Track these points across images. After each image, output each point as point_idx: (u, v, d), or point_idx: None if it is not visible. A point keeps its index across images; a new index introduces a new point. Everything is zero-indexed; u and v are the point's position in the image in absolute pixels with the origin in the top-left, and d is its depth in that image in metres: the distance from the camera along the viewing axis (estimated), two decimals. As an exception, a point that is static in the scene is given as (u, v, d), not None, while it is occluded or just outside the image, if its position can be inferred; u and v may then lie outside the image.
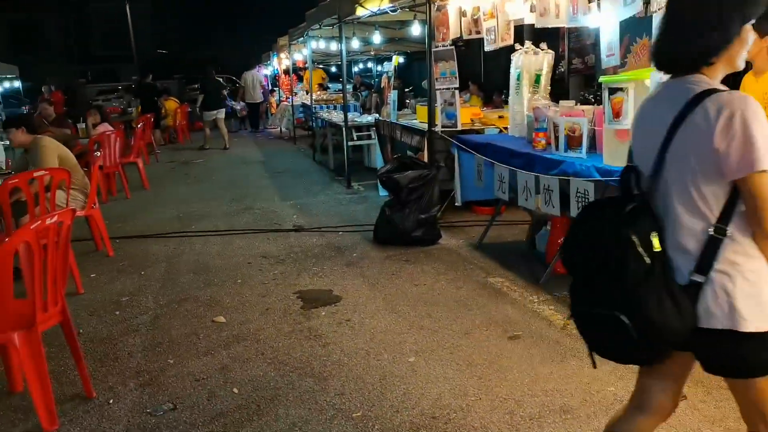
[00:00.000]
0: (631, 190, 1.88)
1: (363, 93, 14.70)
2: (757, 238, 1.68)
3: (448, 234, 6.10)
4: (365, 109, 13.56)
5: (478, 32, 5.44)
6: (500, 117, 6.64)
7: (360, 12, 7.61)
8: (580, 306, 1.88)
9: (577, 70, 10.01)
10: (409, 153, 7.04)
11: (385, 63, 8.07)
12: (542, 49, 5.19)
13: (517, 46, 5.29)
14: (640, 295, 1.68)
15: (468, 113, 6.54)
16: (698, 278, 1.71)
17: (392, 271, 5.16)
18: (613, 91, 3.52)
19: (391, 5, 6.62)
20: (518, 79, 5.26)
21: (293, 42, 13.55)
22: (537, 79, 5.21)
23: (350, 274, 5.13)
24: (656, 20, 3.68)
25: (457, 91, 5.77)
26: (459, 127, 5.84)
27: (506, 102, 9.68)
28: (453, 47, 5.63)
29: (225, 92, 19.62)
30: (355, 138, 9.57)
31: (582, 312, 1.87)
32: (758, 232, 1.67)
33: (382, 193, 8.23)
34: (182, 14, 49.04)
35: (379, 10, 6.92)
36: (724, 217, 1.69)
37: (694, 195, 1.72)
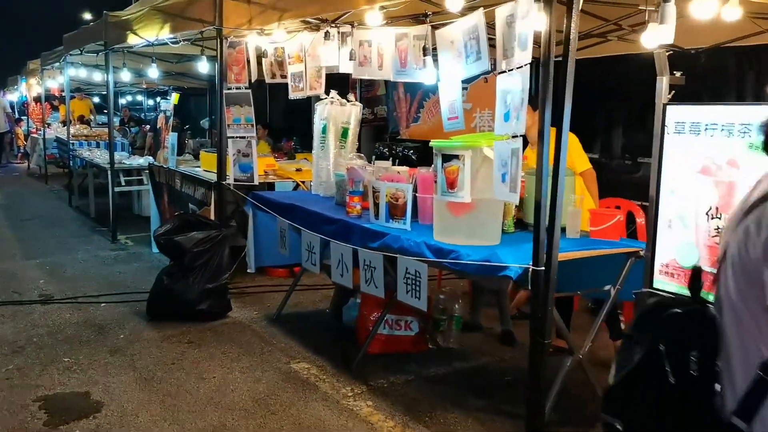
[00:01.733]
0: (698, 291, 1.52)
1: (133, 129, 13.19)
2: None
3: (240, 303, 5.24)
4: (135, 148, 12.12)
5: (283, 76, 4.78)
6: (298, 170, 6.00)
7: (133, 40, 6.53)
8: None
9: (368, 121, 9.82)
10: (191, 206, 6.08)
11: (161, 100, 7.03)
12: (349, 101, 4.68)
13: (322, 95, 4.73)
14: (656, 417, 1.41)
15: (261, 164, 5.79)
16: (739, 423, 1.30)
17: (172, 358, 4.17)
18: (447, 158, 3.06)
19: (171, 36, 5.69)
20: (323, 132, 4.68)
21: (46, 67, 11.70)
22: (344, 133, 4.68)
23: (116, 366, 4.03)
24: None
25: (253, 141, 5.02)
26: (256, 182, 5.08)
27: (298, 150, 9.15)
28: (249, 91, 4.89)
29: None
30: (123, 183, 8.27)
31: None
32: None
33: (156, 249, 7.09)
34: None
35: (157, 40, 5.94)
36: None
37: (746, 312, 1.32)
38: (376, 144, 8.02)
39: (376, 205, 3.60)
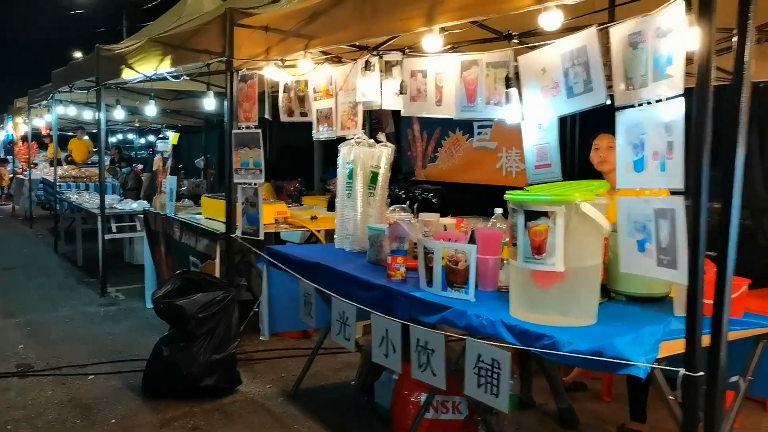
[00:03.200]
0: None
1: (124, 170, 12.54)
2: None
3: (249, 373, 4.54)
4: (126, 189, 11.47)
5: (304, 114, 4.17)
6: (313, 218, 5.34)
7: (128, 75, 5.93)
8: None
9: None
10: (192, 259, 5.40)
11: (158, 141, 6.41)
12: (379, 141, 4.07)
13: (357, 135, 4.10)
14: None
15: (271, 211, 5.15)
16: None
17: (175, 452, 3.47)
18: (531, 215, 2.43)
19: (172, 70, 5.10)
20: (350, 177, 4.05)
21: (34, 105, 11.09)
22: (374, 178, 4.06)
23: (107, 465, 3.32)
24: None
25: (260, 190, 4.38)
26: (261, 236, 4.42)
27: (303, 192, 8.51)
28: (259, 131, 4.27)
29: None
30: (114, 229, 7.58)
31: None
32: None
33: (151, 303, 6.39)
34: None
35: (155, 74, 5.34)
36: None
37: None
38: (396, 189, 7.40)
39: (429, 269, 2.95)
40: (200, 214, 5.94)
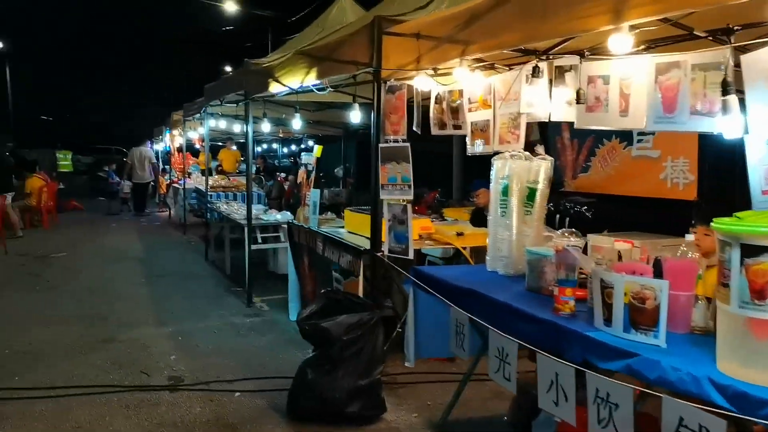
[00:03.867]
0: None
1: (269, 182, 12.92)
2: None
3: (393, 399, 4.31)
4: (270, 199, 11.80)
5: (458, 126, 3.89)
6: (459, 234, 5.03)
7: (274, 89, 5.95)
8: None
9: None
10: (334, 275, 5.28)
11: (303, 153, 6.41)
12: (537, 154, 3.68)
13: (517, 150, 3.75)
14: None
15: (415, 226, 4.90)
16: None
17: (320, 486, 3.28)
18: (752, 251, 1.96)
19: (317, 82, 5.00)
20: (504, 194, 3.70)
21: (188, 118, 11.70)
22: (530, 196, 3.68)
23: (252, 495, 3.20)
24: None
25: (410, 206, 4.13)
26: (410, 255, 4.16)
27: (444, 204, 8.23)
28: (408, 145, 4.02)
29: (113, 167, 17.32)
30: (260, 240, 7.71)
31: None
32: None
33: (294, 316, 6.37)
34: (68, 77, 45.97)
35: (301, 87, 5.28)
36: None
37: None
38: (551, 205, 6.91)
39: (607, 306, 2.53)
40: (343, 227, 5.84)
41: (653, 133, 6.11)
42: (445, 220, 6.36)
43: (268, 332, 5.97)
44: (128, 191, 16.52)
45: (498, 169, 3.80)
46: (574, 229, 2.96)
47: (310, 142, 17.90)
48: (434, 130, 4.10)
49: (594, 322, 2.64)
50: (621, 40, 2.33)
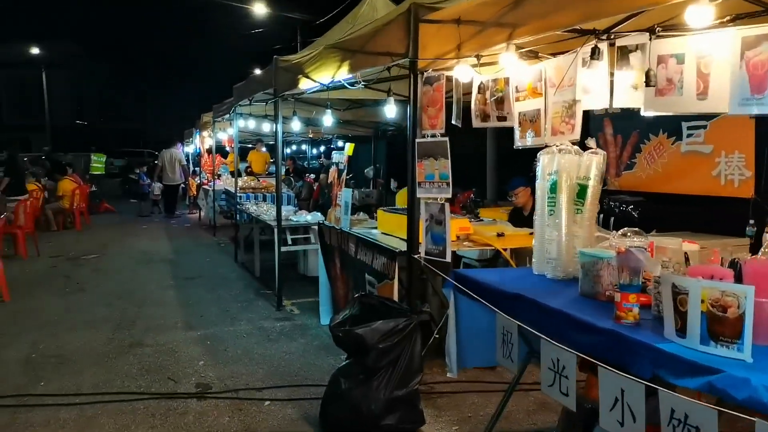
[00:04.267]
0: None
1: (298, 183, 12.77)
2: None
3: (432, 411, 4.06)
4: (300, 200, 11.64)
5: (502, 118, 3.62)
6: (500, 235, 4.76)
7: (304, 85, 5.75)
8: None
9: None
10: (368, 277, 5.05)
11: (335, 152, 6.18)
12: (588, 148, 3.40)
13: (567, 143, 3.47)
14: None
15: (453, 227, 4.64)
16: None
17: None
18: None
19: (349, 77, 4.78)
20: (552, 191, 3.42)
21: (218, 119, 11.60)
22: (581, 193, 3.40)
23: None
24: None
25: (447, 205, 3.87)
26: (448, 258, 3.90)
27: (478, 204, 7.94)
28: (446, 139, 3.77)
29: (143, 169, 17.37)
30: (290, 241, 7.52)
31: None
32: None
33: (325, 320, 6.16)
34: (104, 83, 46.75)
35: (332, 82, 5.06)
36: None
37: None
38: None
39: (681, 315, 2.25)
40: (376, 228, 5.61)
41: (705, 127, 5.76)
42: (481, 220, 6.08)
43: (299, 337, 5.77)
44: (159, 193, 16.53)
45: (545, 164, 3.52)
46: (637, 229, 2.67)
47: (340, 143, 17.74)
48: (476, 123, 3.83)
49: (664, 332, 2.36)
50: (700, 12, 2.05)
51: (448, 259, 3.83)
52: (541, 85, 3.36)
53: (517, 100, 3.55)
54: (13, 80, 45.28)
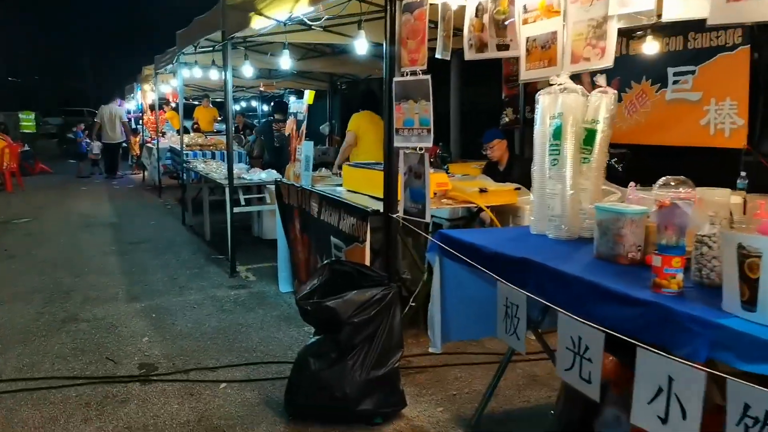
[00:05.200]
0: None
1: (250, 137, 12.03)
2: None
3: (412, 389, 3.59)
4: (252, 158, 10.92)
5: (504, 46, 3.05)
6: (482, 191, 4.26)
7: (257, 24, 5.07)
8: None
9: (511, 124, 7.88)
10: (333, 240, 4.51)
11: (294, 101, 5.50)
12: (599, 86, 2.91)
13: (553, 79, 2.96)
14: None
15: (431, 182, 4.11)
16: None
17: None
18: None
19: (310, 9, 4.14)
20: (556, 136, 2.93)
21: (160, 71, 10.69)
22: (588, 139, 2.92)
23: None
24: None
25: (427, 156, 3.33)
26: (427, 218, 3.38)
27: (446, 159, 7.42)
28: (428, 78, 3.20)
29: (81, 127, 16.29)
30: (243, 202, 6.88)
31: None
32: None
33: (285, 287, 5.63)
34: (41, 40, 44.14)
35: (290, 19, 4.41)
36: None
37: None
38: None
39: (749, 283, 1.80)
40: (340, 185, 5.05)
41: (693, 72, 5.36)
42: (453, 176, 5.58)
43: (256, 307, 5.21)
44: (98, 152, 15.48)
45: (546, 105, 3.02)
46: (683, 177, 2.20)
47: (292, 98, 16.91)
48: (469, 54, 3.24)
49: (722, 304, 1.90)
50: None
51: (428, 218, 3.32)
52: (558, 1, 2.81)
53: (525, 22, 2.99)
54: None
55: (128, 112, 17.03)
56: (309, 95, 5.28)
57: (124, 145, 16.24)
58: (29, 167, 15.26)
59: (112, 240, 7.99)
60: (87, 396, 3.57)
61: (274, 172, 7.03)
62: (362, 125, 6.45)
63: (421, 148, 3.37)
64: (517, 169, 5.49)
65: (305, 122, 5.31)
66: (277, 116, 8.64)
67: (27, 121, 20.41)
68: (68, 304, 5.28)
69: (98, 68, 45.42)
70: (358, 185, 4.73)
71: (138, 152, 15.51)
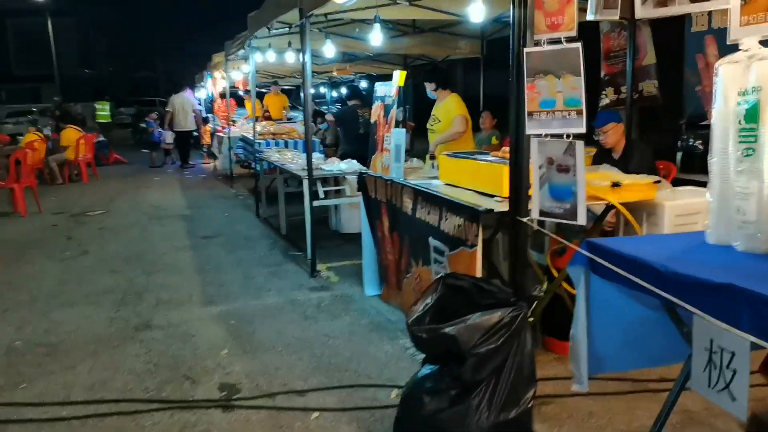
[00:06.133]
0: None
1: (321, 125, 11.56)
2: None
3: (543, 429, 2.98)
4: (326, 146, 10.47)
5: (699, -1, 2.36)
6: (614, 185, 3.54)
7: (341, -3, 4.50)
8: None
9: (614, 103, 7.02)
10: (432, 243, 3.91)
11: (380, 84, 4.90)
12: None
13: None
14: None
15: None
16: None
17: None
18: None
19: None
20: (750, 118, 2.23)
21: (230, 57, 10.33)
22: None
23: None
24: None
25: (580, 145, 2.67)
26: (581, 220, 2.70)
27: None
28: (578, 46, 2.53)
29: (153, 117, 16.28)
30: (322, 194, 6.36)
31: None
32: None
33: (371, 290, 5.08)
34: (113, 31, 45.27)
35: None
36: None
37: None
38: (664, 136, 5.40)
39: None
40: (436, 178, 4.43)
41: None
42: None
43: (342, 313, 4.69)
44: (171, 141, 15.34)
45: (731, 78, 2.31)
46: None
47: (363, 83, 16.37)
48: (644, 12, 2.52)
49: None
50: None
51: (582, 221, 2.66)
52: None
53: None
54: (19, 29, 43.99)
55: (198, 101, 16.89)
56: (400, 76, 4.67)
57: (195, 134, 16.10)
58: (104, 158, 15.30)
59: (185, 233, 7.65)
60: (162, 426, 3.11)
61: (355, 162, 6.48)
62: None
63: (569, 135, 2.70)
64: (637, 158, 4.76)
65: (395, 107, 4.71)
66: (355, 102, 8.09)
67: (102, 110, 20.67)
68: (140, 308, 4.90)
69: (168, 58, 46.25)
70: (460, 178, 4.11)
71: (209, 141, 15.32)
